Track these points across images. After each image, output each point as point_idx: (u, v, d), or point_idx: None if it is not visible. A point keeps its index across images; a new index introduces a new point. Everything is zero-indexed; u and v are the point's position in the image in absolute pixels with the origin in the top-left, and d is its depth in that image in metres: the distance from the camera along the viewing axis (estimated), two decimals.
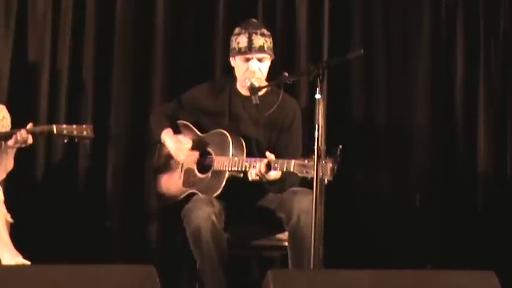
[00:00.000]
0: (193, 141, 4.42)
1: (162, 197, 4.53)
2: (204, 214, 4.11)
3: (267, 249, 4.39)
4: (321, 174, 3.68)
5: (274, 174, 4.11)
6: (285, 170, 4.00)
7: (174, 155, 4.43)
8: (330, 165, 3.72)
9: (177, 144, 4.41)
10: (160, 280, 3.13)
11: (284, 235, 4.29)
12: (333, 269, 3.94)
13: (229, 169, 4.22)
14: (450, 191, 5.28)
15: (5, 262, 3.97)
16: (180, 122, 4.53)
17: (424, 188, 5.28)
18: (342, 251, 4.88)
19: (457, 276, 3.43)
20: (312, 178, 3.71)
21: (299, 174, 3.92)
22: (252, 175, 4.11)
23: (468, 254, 5.11)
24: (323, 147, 3.70)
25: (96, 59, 5.09)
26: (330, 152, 3.73)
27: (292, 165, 3.95)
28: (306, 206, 4.05)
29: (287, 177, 4.21)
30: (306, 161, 3.85)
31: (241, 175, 4.22)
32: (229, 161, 4.24)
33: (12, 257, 3.98)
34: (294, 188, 4.27)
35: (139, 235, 5.09)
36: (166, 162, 4.50)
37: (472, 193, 5.29)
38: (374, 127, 5.30)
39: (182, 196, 4.38)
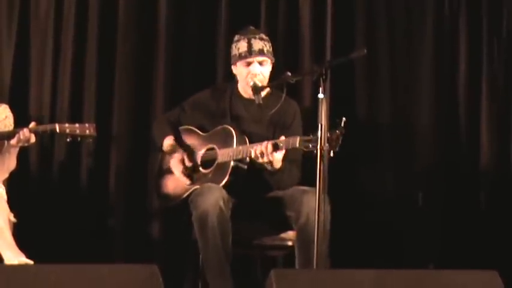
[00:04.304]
0: (194, 145, 4.45)
1: (166, 198, 4.53)
2: (212, 199, 4.11)
3: (271, 248, 4.38)
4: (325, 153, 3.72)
5: (278, 157, 4.11)
6: (290, 146, 4.02)
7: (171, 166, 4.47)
8: (334, 136, 3.73)
9: (175, 163, 4.45)
10: (163, 279, 3.13)
11: (287, 234, 4.29)
12: (336, 269, 3.96)
13: (234, 158, 4.23)
14: (453, 190, 5.27)
15: (8, 261, 3.97)
16: (182, 127, 4.55)
17: (426, 187, 5.27)
18: (345, 249, 4.87)
19: (460, 275, 3.43)
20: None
21: (305, 149, 3.92)
22: (257, 151, 4.10)
23: (471, 254, 5.10)
24: (326, 147, 3.71)
25: (98, 58, 5.09)
26: (334, 124, 3.75)
27: (298, 141, 3.97)
28: (315, 206, 4.05)
29: (286, 172, 4.24)
30: (311, 136, 3.86)
31: (246, 167, 4.23)
32: (233, 151, 4.25)
33: (15, 256, 3.98)
34: (304, 187, 4.26)
35: (142, 234, 5.09)
36: (169, 167, 4.50)
37: (475, 192, 5.28)
38: (377, 125, 5.30)
39: (187, 193, 4.37)
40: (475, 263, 4.89)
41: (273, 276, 3.17)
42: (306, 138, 3.91)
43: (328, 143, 3.73)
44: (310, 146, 3.85)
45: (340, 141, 3.75)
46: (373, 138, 5.27)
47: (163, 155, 4.57)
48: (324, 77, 3.77)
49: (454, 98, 5.34)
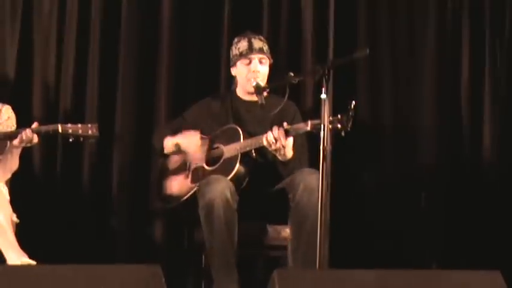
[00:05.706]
0: (200, 135, 4.44)
1: (169, 199, 4.52)
2: (219, 189, 4.11)
3: (273, 248, 4.38)
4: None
5: (289, 143, 4.14)
6: (300, 131, 4.09)
7: (185, 147, 4.44)
8: (344, 117, 3.82)
9: (187, 138, 4.43)
10: (166, 280, 3.13)
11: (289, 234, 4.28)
12: (339, 269, 3.95)
13: (241, 152, 4.25)
14: (456, 190, 5.27)
15: (10, 262, 3.97)
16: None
17: (429, 187, 5.27)
18: (347, 250, 4.87)
19: (463, 275, 3.43)
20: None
21: (315, 132, 3.94)
22: (269, 137, 4.12)
23: (474, 254, 5.11)
24: (329, 147, 3.71)
25: (101, 56, 5.09)
26: (345, 107, 3.83)
27: (309, 124, 4.03)
28: (311, 183, 4.07)
29: (297, 162, 4.26)
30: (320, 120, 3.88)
31: (254, 154, 4.25)
32: (240, 145, 4.27)
33: (17, 257, 3.98)
34: (302, 169, 4.28)
35: (145, 234, 5.09)
36: (173, 169, 4.50)
37: (477, 192, 5.27)
38: (380, 126, 5.30)
39: (191, 192, 4.36)
40: (478, 263, 4.89)
41: (275, 276, 3.17)
42: (317, 122, 3.93)
43: (340, 123, 3.84)
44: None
45: (351, 123, 3.83)
46: (376, 139, 5.27)
47: (165, 157, 4.57)
48: (326, 77, 3.77)
49: (457, 98, 5.34)
